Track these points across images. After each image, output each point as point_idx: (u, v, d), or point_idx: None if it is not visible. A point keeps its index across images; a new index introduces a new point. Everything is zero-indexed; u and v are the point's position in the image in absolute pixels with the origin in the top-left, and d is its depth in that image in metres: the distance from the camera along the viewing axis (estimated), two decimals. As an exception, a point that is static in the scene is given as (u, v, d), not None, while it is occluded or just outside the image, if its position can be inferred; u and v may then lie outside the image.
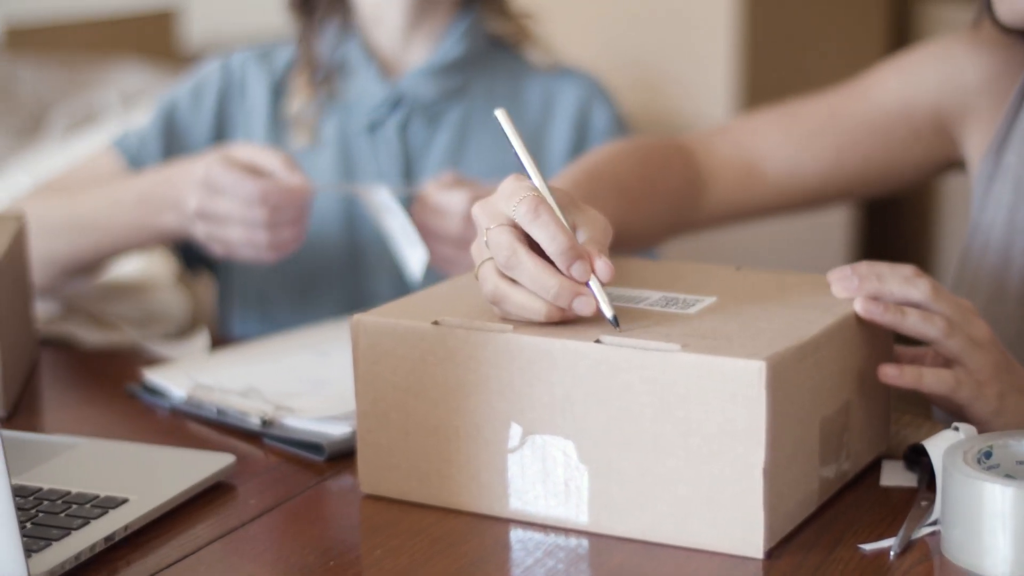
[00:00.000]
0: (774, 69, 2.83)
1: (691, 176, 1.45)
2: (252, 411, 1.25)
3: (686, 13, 2.78)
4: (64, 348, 1.54)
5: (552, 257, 1.02)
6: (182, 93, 1.70)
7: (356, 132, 1.66)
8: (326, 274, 1.65)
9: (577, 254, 1.02)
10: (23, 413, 1.32)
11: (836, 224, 2.92)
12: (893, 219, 3.26)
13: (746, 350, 0.98)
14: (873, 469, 1.14)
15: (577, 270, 1.02)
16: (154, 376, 1.35)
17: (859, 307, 1.08)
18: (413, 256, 1.45)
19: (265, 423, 1.23)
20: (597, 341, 1.01)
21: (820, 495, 1.06)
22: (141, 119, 1.80)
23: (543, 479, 1.04)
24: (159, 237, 1.53)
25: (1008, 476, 0.99)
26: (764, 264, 2.56)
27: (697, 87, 2.78)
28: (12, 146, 2.38)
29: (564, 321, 1.04)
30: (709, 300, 1.10)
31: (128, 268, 1.94)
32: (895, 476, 1.12)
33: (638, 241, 1.41)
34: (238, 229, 1.43)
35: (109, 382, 1.40)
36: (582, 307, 1.03)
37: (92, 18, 2.97)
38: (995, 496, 0.93)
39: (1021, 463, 1.00)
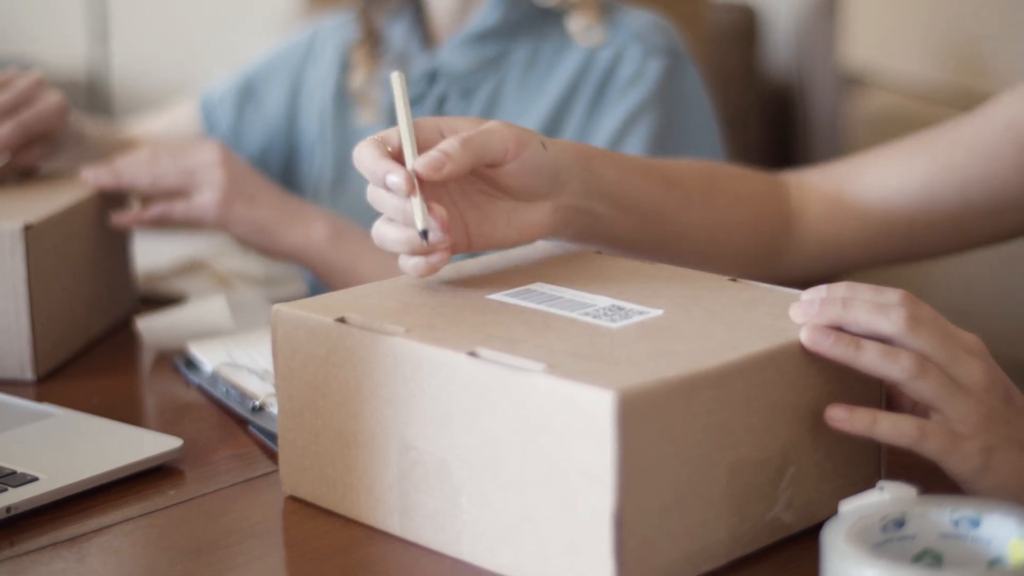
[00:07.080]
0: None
1: (777, 205, 1.31)
2: (251, 396, 1.20)
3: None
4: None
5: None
6: (268, 57, 1.68)
7: None
8: None
9: (385, 169, 0.99)
10: (61, 378, 1.31)
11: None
12: None
13: (610, 377, 0.85)
14: (848, 522, 0.98)
15: (391, 182, 0.99)
16: (195, 348, 1.32)
17: (804, 336, 0.92)
18: None
19: (254, 410, 1.18)
20: (471, 353, 0.90)
21: (732, 548, 0.91)
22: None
23: (426, 499, 0.94)
24: None
25: (926, 551, 0.83)
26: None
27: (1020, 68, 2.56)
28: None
29: (430, 252, 1.01)
30: (654, 313, 0.97)
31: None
32: (857, 533, 0.96)
33: (705, 248, 1.25)
34: None
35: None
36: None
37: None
38: (851, 577, 0.78)
39: (946, 537, 0.84)
